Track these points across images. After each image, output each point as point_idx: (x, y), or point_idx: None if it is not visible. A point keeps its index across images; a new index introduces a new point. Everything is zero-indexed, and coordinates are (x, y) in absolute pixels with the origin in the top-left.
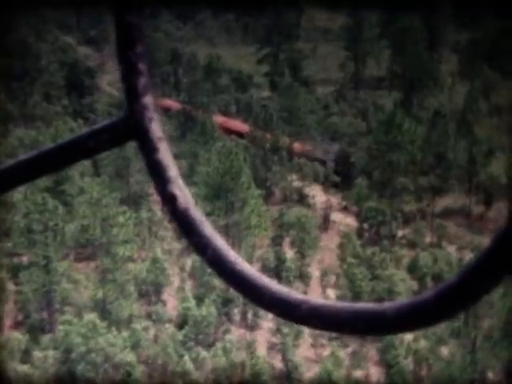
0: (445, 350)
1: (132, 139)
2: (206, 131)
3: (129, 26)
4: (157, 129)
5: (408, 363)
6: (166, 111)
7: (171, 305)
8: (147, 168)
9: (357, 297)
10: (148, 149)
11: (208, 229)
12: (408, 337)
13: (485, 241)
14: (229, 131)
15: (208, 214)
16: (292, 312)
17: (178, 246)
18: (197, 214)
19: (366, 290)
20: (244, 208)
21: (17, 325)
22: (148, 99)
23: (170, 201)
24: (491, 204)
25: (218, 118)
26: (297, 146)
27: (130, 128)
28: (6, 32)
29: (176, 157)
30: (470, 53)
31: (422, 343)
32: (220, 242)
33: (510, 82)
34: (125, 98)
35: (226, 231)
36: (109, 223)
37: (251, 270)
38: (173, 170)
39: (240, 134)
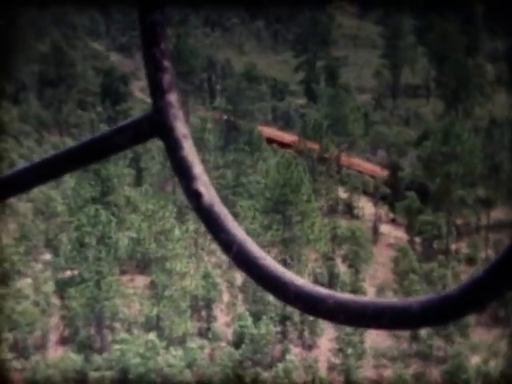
0: None
1: (157, 136)
2: (252, 141)
3: (153, 24)
4: (181, 126)
5: None
6: None
7: (224, 321)
8: (172, 165)
9: None
10: (173, 146)
11: (233, 225)
12: (476, 359)
13: None
14: (274, 141)
15: (266, 228)
16: (318, 307)
17: (226, 258)
18: (222, 210)
19: None
20: (304, 222)
21: (64, 341)
22: (173, 96)
23: (195, 197)
24: None
25: (263, 128)
26: (344, 157)
27: (154, 125)
28: (40, 38)
29: (220, 167)
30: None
31: (492, 365)
32: (245, 237)
33: None
34: (150, 95)
35: (284, 245)
36: (162, 236)
37: (276, 266)
38: (198, 167)
39: (285, 145)
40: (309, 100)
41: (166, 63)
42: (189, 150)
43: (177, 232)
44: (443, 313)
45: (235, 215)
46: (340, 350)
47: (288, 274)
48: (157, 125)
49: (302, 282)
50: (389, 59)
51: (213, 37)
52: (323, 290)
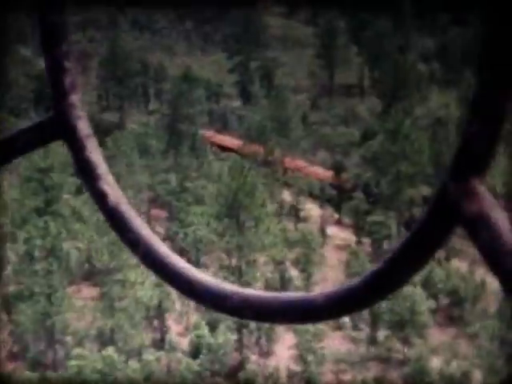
0: (478, 374)
1: (60, 138)
2: (196, 145)
3: (53, 25)
4: (85, 126)
5: None
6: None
7: (178, 331)
8: (76, 166)
9: (376, 318)
10: (76, 147)
11: (139, 224)
12: (437, 360)
13: None
14: (214, 145)
15: (220, 234)
16: (224, 303)
17: None
18: (127, 209)
19: (385, 311)
20: (258, 227)
21: (13, 357)
22: (75, 97)
23: (100, 197)
24: None
25: (206, 132)
26: (289, 160)
27: (57, 127)
28: None
29: (163, 172)
30: (445, 59)
31: (454, 366)
32: (151, 236)
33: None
34: (52, 96)
35: (240, 251)
36: (114, 247)
37: (182, 263)
38: (102, 167)
39: (226, 148)
40: (245, 102)
41: (68, 64)
42: (93, 151)
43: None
44: (347, 304)
45: (186, 221)
46: (299, 356)
47: (194, 272)
48: (59, 126)
49: (208, 279)
50: (322, 59)
51: (142, 40)
52: (229, 287)
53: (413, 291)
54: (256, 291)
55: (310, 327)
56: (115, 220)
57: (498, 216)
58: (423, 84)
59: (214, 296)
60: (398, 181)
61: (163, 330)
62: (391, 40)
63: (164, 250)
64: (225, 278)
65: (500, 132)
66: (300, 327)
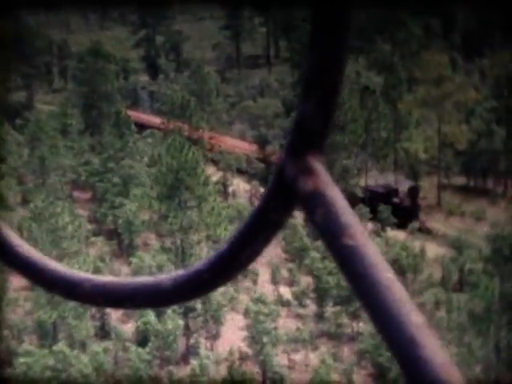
0: None
1: None
2: (118, 123)
3: None
4: None
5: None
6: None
7: (117, 317)
8: None
9: (324, 293)
10: None
11: None
12: None
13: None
14: (134, 123)
15: (163, 216)
16: (75, 290)
17: (108, 249)
18: None
19: (332, 286)
20: (202, 206)
21: None
22: None
23: None
24: (417, 181)
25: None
26: (213, 135)
27: None
28: None
29: (87, 151)
30: (354, 27)
31: None
32: (1, 226)
33: (404, 55)
34: None
35: (184, 233)
36: (54, 235)
37: (32, 252)
38: None
39: (150, 127)
40: (153, 77)
41: None
42: None
43: (70, 229)
44: (194, 287)
45: (115, 202)
46: (252, 338)
47: (44, 260)
48: None
49: (58, 266)
50: (228, 31)
51: (36, 16)
52: (80, 274)
53: None
54: (107, 278)
55: (261, 307)
56: None
57: (333, 193)
58: None
59: (65, 284)
60: (332, 151)
61: (103, 317)
62: (296, 10)
63: (14, 238)
64: (168, 260)
65: (333, 109)
66: (250, 307)
